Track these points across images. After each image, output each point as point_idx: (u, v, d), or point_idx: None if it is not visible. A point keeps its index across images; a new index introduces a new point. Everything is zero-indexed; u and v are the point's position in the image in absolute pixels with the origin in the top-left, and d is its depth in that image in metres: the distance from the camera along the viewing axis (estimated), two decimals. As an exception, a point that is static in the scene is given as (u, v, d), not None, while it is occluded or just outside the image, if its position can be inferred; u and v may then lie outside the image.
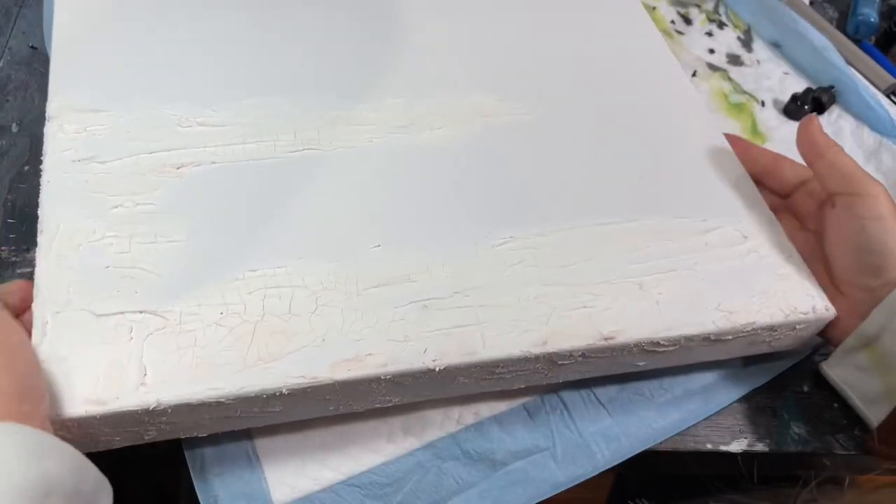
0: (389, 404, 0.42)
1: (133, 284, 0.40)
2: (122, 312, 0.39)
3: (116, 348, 0.38)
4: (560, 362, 0.42)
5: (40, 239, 0.41)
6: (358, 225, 0.45)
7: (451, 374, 0.40)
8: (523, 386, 0.44)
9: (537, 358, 0.41)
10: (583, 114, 0.53)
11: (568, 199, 0.48)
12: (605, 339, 0.42)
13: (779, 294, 0.45)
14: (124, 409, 0.36)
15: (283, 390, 0.38)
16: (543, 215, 0.46)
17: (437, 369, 0.40)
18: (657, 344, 0.43)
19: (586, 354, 0.42)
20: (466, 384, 0.42)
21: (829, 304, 0.45)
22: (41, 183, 0.43)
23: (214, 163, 0.45)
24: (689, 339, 0.43)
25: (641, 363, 0.45)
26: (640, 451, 0.46)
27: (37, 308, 0.39)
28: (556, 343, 0.41)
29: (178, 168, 0.45)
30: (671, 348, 0.44)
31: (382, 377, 0.39)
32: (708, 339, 0.44)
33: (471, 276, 0.43)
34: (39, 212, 0.42)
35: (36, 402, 0.34)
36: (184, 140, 0.46)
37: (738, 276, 0.45)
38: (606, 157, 0.50)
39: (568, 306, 0.43)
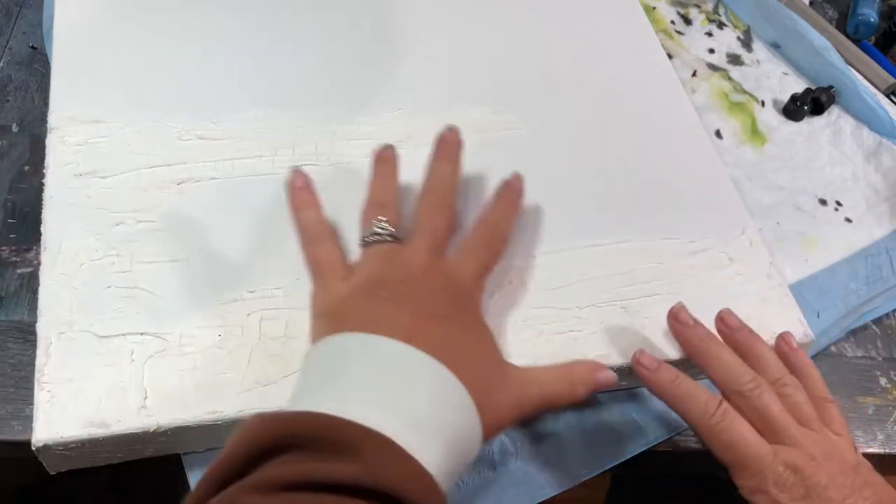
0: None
1: (134, 305, 0.41)
2: (123, 334, 0.40)
3: (118, 371, 0.39)
4: (545, 385, 0.44)
5: (44, 256, 0.42)
6: (352, 245, 0.45)
7: (439, 397, 0.42)
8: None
9: (523, 382, 0.43)
10: (576, 128, 0.54)
11: (558, 220, 0.49)
12: (589, 364, 0.43)
13: (760, 319, 0.46)
14: (126, 432, 0.38)
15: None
16: (533, 237, 0.48)
17: (426, 393, 0.41)
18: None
19: (570, 378, 0.44)
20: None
21: (809, 331, 0.47)
22: (44, 198, 0.44)
23: (214, 178, 0.46)
24: (672, 362, 0.45)
25: (624, 383, 0.46)
26: (639, 451, 0.46)
27: (41, 328, 0.40)
28: (542, 368, 0.43)
29: (178, 184, 0.46)
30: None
31: (374, 400, 0.41)
32: (690, 363, 0.45)
33: (462, 298, 0.44)
34: (42, 228, 0.43)
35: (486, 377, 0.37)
36: (184, 154, 0.47)
37: (721, 300, 0.46)
38: (598, 175, 0.51)
39: (554, 330, 0.44)
